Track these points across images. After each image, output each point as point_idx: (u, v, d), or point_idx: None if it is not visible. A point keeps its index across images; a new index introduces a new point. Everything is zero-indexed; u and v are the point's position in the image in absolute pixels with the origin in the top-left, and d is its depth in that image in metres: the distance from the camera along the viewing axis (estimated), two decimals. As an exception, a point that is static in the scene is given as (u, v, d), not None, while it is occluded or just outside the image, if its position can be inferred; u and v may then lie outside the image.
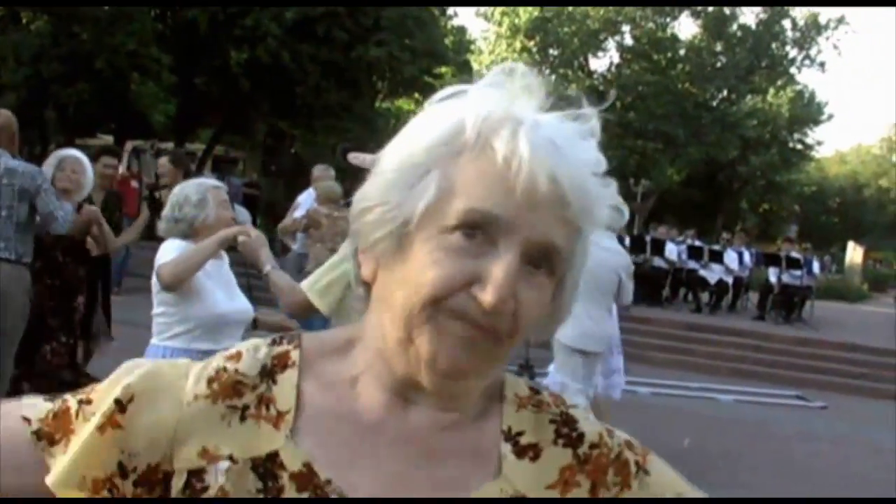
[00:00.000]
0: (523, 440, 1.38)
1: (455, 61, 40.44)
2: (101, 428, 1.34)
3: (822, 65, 53.51)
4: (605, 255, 9.04)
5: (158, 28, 26.17)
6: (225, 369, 1.37)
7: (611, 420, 9.65)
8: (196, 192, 5.65)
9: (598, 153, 1.32)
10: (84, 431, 1.35)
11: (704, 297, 25.38)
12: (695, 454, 10.82)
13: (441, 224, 1.25)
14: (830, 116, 56.61)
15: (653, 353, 18.73)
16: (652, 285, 24.94)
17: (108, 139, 33.88)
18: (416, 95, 36.45)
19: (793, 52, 52.75)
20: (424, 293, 1.24)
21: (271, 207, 29.18)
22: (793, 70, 53.45)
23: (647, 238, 25.32)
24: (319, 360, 1.40)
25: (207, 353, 1.48)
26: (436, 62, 32.69)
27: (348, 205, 1.39)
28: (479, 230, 1.24)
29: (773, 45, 52.02)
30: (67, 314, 8.37)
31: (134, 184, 21.82)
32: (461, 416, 1.37)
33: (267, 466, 1.31)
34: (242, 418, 1.34)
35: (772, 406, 15.41)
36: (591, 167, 1.30)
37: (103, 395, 1.38)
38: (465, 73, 45.23)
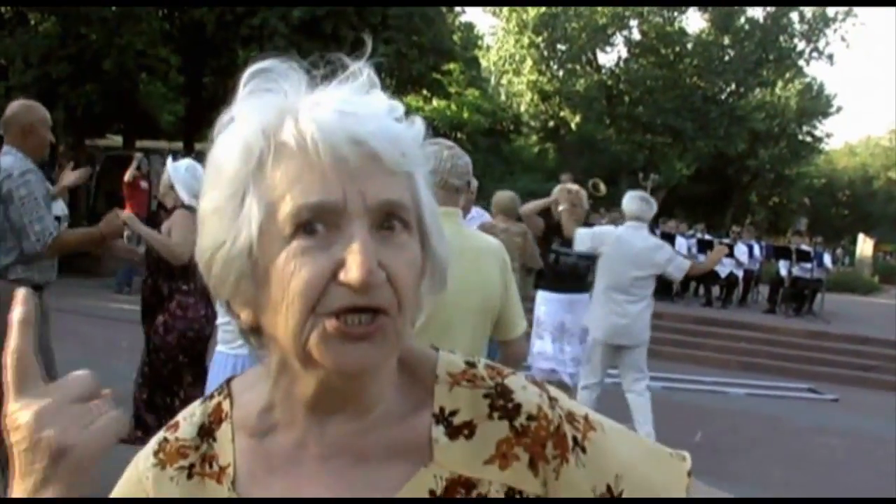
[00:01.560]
0: (457, 419, 1.35)
1: (463, 57, 40.42)
2: None
3: (830, 57, 53.52)
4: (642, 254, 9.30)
5: (166, 28, 26.22)
6: (166, 440, 1.43)
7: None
8: None
9: (389, 100, 1.30)
10: None
11: (715, 290, 25.38)
12: (706, 448, 10.81)
13: (280, 237, 1.22)
14: (839, 109, 56.64)
15: (664, 347, 18.68)
16: (662, 280, 24.92)
17: (117, 140, 33.96)
18: (425, 92, 36.46)
19: (801, 45, 52.67)
20: (296, 307, 1.22)
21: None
22: (801, 63, 53.39)
23: (657, 232, 25.29)
24: (244, 401, 1.43)
25: None
26: (443, 59, 32.67)
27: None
28: (317, 223, 1.21)
29: (781, 38, 51.93)
30: None
31: (143, 184, 21.82)
32: (383, 413, 1.35)
33: None
34: (189, 476, 1.39)
35: (783, 399, 15.38)
36: (387, 114, 1.28)
37: None
38: (472, 69, 45.29)
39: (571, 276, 10.94)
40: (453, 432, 1.35)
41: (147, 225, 7.51)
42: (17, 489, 1.18)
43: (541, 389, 1.40)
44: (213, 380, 5.76)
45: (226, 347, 5.57)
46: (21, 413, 1.16)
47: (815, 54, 52.71)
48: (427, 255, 1.32)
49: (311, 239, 1.21)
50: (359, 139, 1.21)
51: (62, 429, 1.15)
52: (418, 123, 1.32)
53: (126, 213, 7.67)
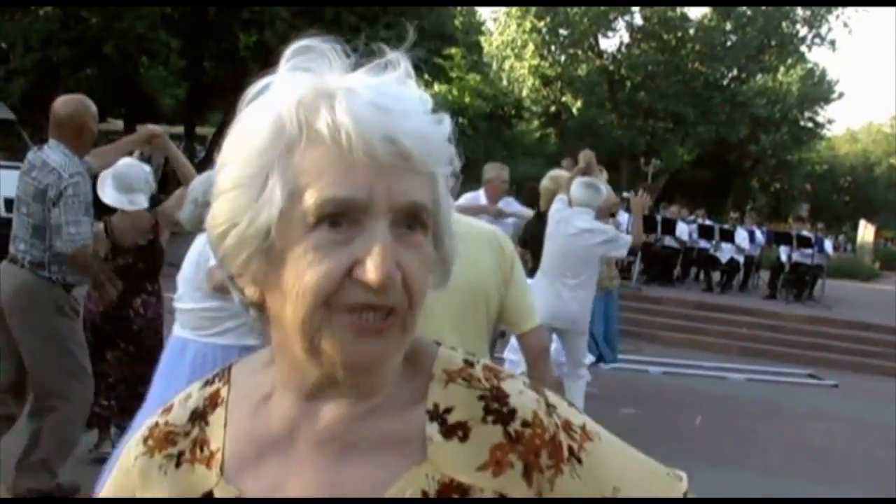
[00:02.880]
0: (451, 418, 1.33)
1: (464, 42, 40.39)
2: None
3: (832, 43, 53.45)
4: (577, 238, 9.21)
5: (167, 12, 26.17)
6: (157, 424, 1.43)
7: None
8: None
9: (421, 92, 1.30)
10: None
11: (715, 276, 25.37)
12: (706, 433, 10.84)
13: (301, 225, 1.22)
14: (841, 95, 56.48)
15: (664, 332, 18.75)
16: (663, 265, 24.97)
17: (118, 124, 33.95)
18: (426, 77, 36.44)
19: (803, 31, 52.55)
20: (310, 299, 1.21)
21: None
22: (803, 49, 53.27)
23: (658, 218, 25.30)
24: (242, 386, 1.42)
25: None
26: (445, 44, 32.64)
27: None
28: (340, 217, 1.21)
29: (783, 24, 51.81)
30: None
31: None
32: (379, 403, 1.33)
33: None
34: (178, 465, 1.39)
35: (783, 385, 15.40)
36: (420, 110, 1.27)
37: None
38: (474, 54, 45.26)
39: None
40: (447, 431, 1.32)
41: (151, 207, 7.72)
42: None
43: (538, 395, 1.37)
44: (168, 365, 5.67)
45: (201, 334, 5.48)
46: None
47: (817, 40, 52.58)
48: (438, 253, 1.32)
49: (333, 232, 1.21)
50: (392, 137, 1.21)
51: None
52: (446, 122, 1.31)
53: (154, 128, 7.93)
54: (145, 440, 1.42)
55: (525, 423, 1.31)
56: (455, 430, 1.32)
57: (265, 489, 1.33)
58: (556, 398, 1.39)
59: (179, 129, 33.03)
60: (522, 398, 1.34)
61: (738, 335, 19.08)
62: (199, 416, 1.41)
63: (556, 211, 9.34)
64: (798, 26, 52.45)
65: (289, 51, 1.30)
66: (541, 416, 1.33)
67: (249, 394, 1.40)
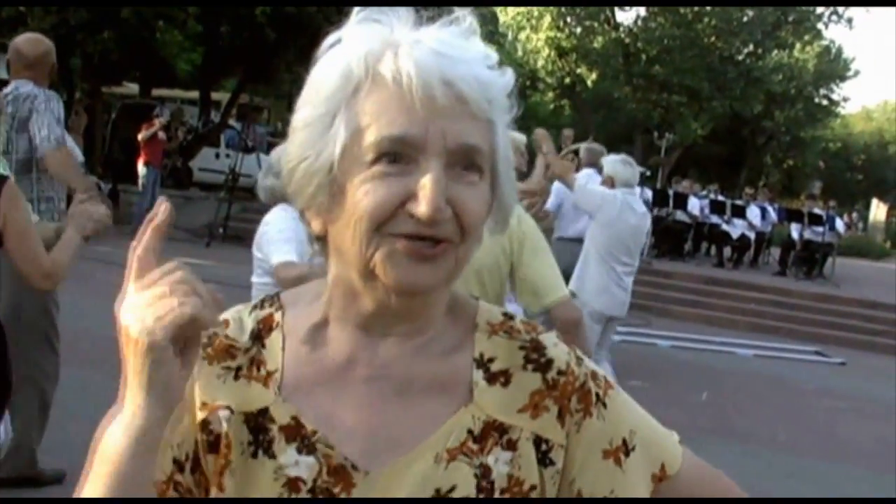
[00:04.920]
0: (494, 366, 1.45)
1: (480, 12, 40.29)
2: None
3: (849, 21, 53.26)
4: (640, 220, 9.05)
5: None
6: (215, 334, 1.46)
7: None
8: None
9: (485, 48, 1.37)
10: None
11: (726, 251, 25.44)
12: (712, 407, 10.91)
13: (361, 161, 1.30)
14: (857, 73, 56.42)
15: (674, 306, 18.81)
16: (674, 239, 25.01)
17: (134, 88, 33.95)
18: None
19: (820, 8, 52.25)
20: (364, 224, 1.29)
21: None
22: (820, 25, 52.95)
23: (670, 192, 25.33)
24: (296, 314, 1.48)
25: None
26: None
27: None
28: (398, 155, 1.29)
29: (801, 0, 51.58)
30: None
31: (161, 135, 21.97)
32: (432, 343, 1.43)
33: (258, 421, 1.41)
34: (236, 377, 1.44)
35: (790, 361, 15.47)
36: (481, 61, 1.34)
37: None
38: (489, 24, 45.10)
39: None
40: (491, 378, 1.44)
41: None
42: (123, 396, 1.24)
43: (569, 348, 1.51)
44: None
45: None
46: (119, 309, 1.22)
47: (834, 17, 52.29)
48: (495, 198, 1.40)
49: (391, 167, 1.29)
50: (449, 80, 1.29)
51: (138, 320, 1.19)
52: (509, 74, 1.38)
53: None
54: (205, 346, 1.44)
55: (560, 372, 1.47)
56: (498, 377, 1.45)
57: (320, 416, 1.40)
58: (581, 352, 1.54)
59: (195, 94, 33.03)
60: (557, 350, 1.49)
61: (748, 311, 19.14)
62: (255, 337, 1.47)
63: (613, 196, 8.84)
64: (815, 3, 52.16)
65: (358, 9, 1.38)
66: (573, 366, 1.48)
67: (304, 322, 1.47)
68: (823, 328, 18.37)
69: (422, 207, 1.27)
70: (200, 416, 1.42)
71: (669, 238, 24.85)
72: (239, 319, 1.49)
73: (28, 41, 6.79)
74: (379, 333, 1.42)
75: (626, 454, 1.47)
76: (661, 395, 10.86)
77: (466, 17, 1.38)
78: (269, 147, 27.52)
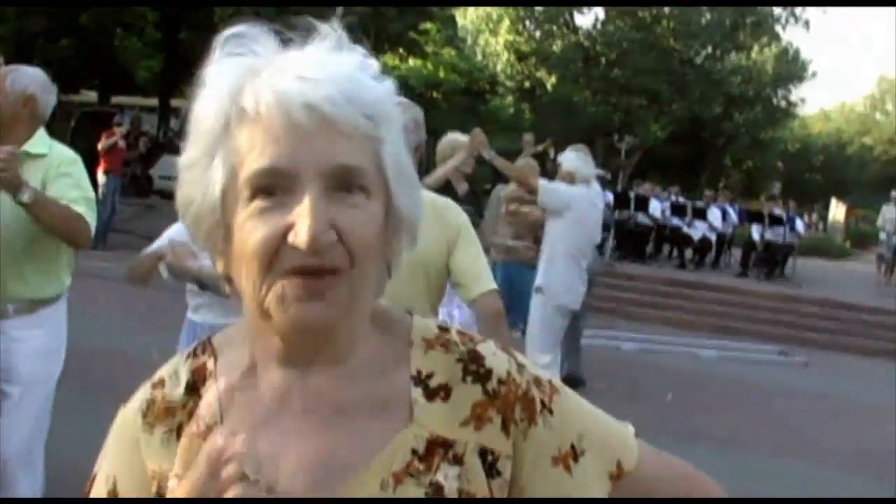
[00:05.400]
0: (433, 382, 1.42)
1: (440, 16, 40.30)
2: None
3: (806, 23, 53.48)
4: (601, 214, 9.11)
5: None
6: (153, 399, 1.46)
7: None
8: None
9: (360, 58, 1.35)
10: None
11: (688, 253, 25.50)
12: (677, 408, 10.94)
13: (241, 198, 1.29)
14: (814, 74, 56.83)
15: (636, 308, 18.86)
16: (636, 242, 25.08)
17: (92, 95, 33.76)
18: (401, 51, 36.38)
19: (777, 10, 52.66)
20: (253, 265, 1.28)
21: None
22: (777, 28, 53.40)
23: (632, 195, 25.39)
24: (227, 360, 1.47)
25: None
26: (421, 18, 32.58)
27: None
28: (274, 187, 1.27)
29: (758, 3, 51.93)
30: None
31: (120, 143, 21.87)
32: (363, 364, 1.41)
33: None
34: (178, 436, 1.43)
35: (753, 362, 15.52)
36: (351, 72, 1.31)
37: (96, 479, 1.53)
38: (449, 28, 45.14)
39: None
40: (431, 394, 1.41)
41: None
42: None
43: (509, 356, 1.48)
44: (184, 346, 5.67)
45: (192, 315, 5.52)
46: None
47: (791, 19, 52.73)
48: (392, 216, 1.37)
49: (268, 201, 1.27)
50: (312, 104, 1.25)
51: None
52: (387, 84, 1.36)
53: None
54: (144, 415, 1.46)
55: (500, 381, 1.43)
56: (438, 392, 1.41)
57: (265, 461, 1.34)
58: (523, 358, 1.50)
59: (154, 102, 32.89)
60: (496, 359, 1.45)
61: (710, 312, 19.20)
62: (191, 391, 1.46)
63: (579, 193, 8.92)
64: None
65: (220, 38, 1.35)
66: (514, 375, 1.44)
67: (235, 366, 1.45)
68: (786, 328, 18.46)
69: (301, 236, 1.24)
70: (154, 487, 1.43)
71: (631, 241, 24.92)
72: (175, 374, 1.49)
73: None
74: (303, 365, 1.38)
75: (576, 459, 1.44)
76: (625, 397, 10.89)
77: (330, 32, 1.35)
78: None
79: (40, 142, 5.10)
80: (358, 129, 1.29)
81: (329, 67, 1.30)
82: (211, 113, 1.32)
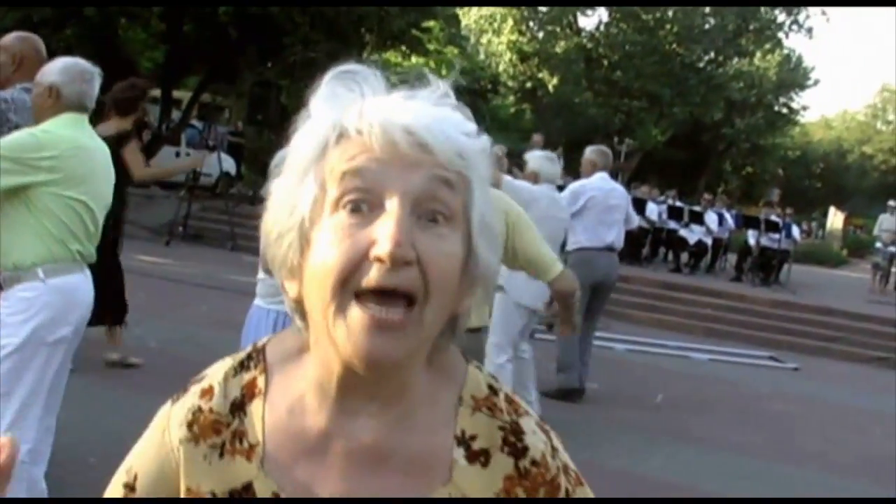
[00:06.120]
0: (475, 445, 1.42)
1: (443, 15, 40.30)
2: None
3: (809, 30, 53.76)
4: (565, 215, 9.21)
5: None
6: (200, 409, 1.47)
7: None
8: None
9: (460, 114, 1.36)
10: None
11: (684, 257, 25.53)
12: (668, 410, 10.99)
13: (326, 212, 1.29)
14: (817, 82, 56.75)
15: (630, 310, 18.87)
16: (632, 244, 25.07)
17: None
18: (404, 49, 36.39)
19: (781, 17, 52.69)
20: (329, 280, 1.26)
21: (256, 156, 29.18)
22: (780, 34, 53.42)
23: (630, 197, 25.42)
24: (279, 379, 1.48)
25: None
26: (424, 16, 32.58)
27: None
28: (362, 203, 1.27)
29: (762, 9, 51.93)
30: None
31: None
32: (412, 415, 1.41)
33: (243, 496, 1.43)
34: (221, 455, 1.45)
35: (745, 366, 15.55)
36: (452, 123, 1.33)
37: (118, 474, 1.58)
38: (452, 27, 45.15)
39: None
40: (472, 457, 1.42)
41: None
42: None
43: (547, 437, 1.49)
44: (250, 335, 5.68)
45: (265, 302, 5.52)
46: None
47: (794, 26, 52.74)
48: (471, 262, 1.35)
49: (355, 216, 1.27)
50: (412, 129, 1.27)
51: None
52: (483, 139, 1.37)
53: None
54: (190, 425, 1.47)
55: (534, 462, 1.44)
56: (479, 456, 1.43)
57: (298, 490, 1.41)
58: (557, 441, 1.52)
59: (156, 93, 32.88)
60: (535, 438, 1.46)
61: (704, 316, 19.24)
62: (238, 407, 1.46)
63: (540, 192, 8.98)
64: (776, 12, 52.53)
65: (330, 74, 1.38)
66: (547, 458, 1.46)
67: (286, 389, 1.45)
68: (778, 334, 18.48)
69: (382, 245, 1.23)
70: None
71: (627, 243, 24.84)
72: (223, 385, 1.49)
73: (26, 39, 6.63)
74: (356, 404, 1.39)
75: None
76: (618, 398, 10.96)
77: (441, 86, 1.37)
78: (230, 147, 27.43)
79: (48, 124, 5.11)
80: (452, 163, 1.30)
81: (436, 109, 1.33)
82: (311, 141, 1.34)
